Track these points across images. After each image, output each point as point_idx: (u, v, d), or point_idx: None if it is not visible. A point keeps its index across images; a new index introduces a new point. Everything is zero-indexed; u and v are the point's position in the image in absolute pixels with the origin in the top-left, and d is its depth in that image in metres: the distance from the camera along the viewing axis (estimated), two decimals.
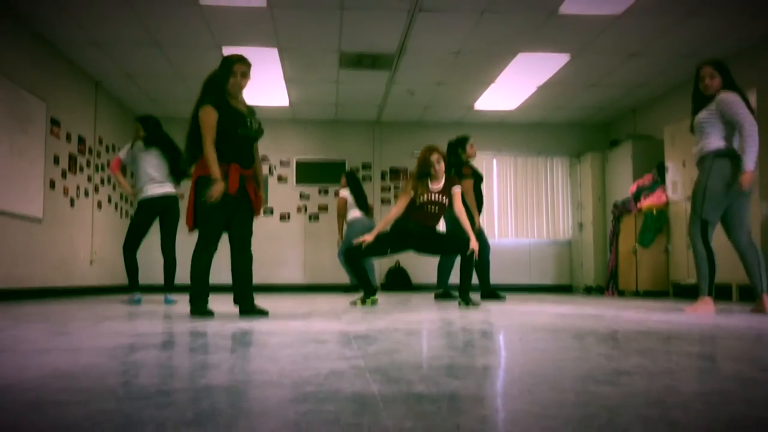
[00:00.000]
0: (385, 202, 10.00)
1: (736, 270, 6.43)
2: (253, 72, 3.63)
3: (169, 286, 5.51)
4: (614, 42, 6.65)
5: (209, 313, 3.64)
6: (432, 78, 7.97)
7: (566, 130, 10.21)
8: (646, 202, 7.85)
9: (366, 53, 7.09)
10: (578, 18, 6.02)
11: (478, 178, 6.51)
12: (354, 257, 5.04)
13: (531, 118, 9.86)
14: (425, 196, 4.96)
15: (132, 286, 5.50)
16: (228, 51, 6.89)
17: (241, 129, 3.67)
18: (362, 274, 5.07)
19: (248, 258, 3.80)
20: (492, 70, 7.64)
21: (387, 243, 5.05)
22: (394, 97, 8.78)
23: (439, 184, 5.04)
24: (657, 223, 7.74)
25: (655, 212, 7.72)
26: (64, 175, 7.16)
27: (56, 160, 6.96)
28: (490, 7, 5.82)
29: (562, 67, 7.43)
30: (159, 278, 5.64)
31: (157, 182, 5.41)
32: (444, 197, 5.03)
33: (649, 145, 8.43)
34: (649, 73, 7.70)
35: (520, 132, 10.15)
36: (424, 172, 5.01)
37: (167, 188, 5.46)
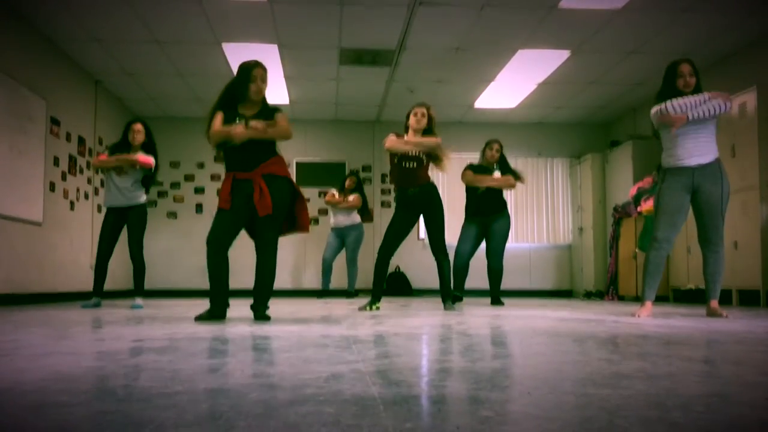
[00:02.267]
0: (385, 204, 10.00)
1: (735, 275, 6.45)
2: None
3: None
4: (613, 39, 6.67)
5: (210, 318, 3.62)
6: (432, 75, 7.98)
7: (566, 130, 10.21)
8: (646, 206, 7.83)
9: (366, 49, 7.10)
10: (578, 12, 6.04)
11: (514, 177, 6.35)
12: (386, 256, 5.00)
13: (531, 118, 9.87)
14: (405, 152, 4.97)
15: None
16: (228, 48, 6.93)
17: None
18: (382, 278, 5.06)
19: (264, 263, 3.72)
20: (492, 67, 7.65)
21: (401, 221, 5.03)
22: (394, 95, 8.79)
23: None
24: None
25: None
26: (64, 177, 7.16)
27: (56, 162, 6.97)
28: (491, 1, 5.83)
29: (562, 63, 7.44)
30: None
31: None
32: (421, 153, 5.01)
33: (650, 146, 8.41)
34: (649, 71, 7.71)
35: (520, 132, 10.15)
36: (406, 125, 5.07)
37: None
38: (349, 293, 8.33)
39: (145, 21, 6.27)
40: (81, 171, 7.62)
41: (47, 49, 6.79)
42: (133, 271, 5.55)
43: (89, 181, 7.86)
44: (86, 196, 7.76)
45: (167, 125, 9.39)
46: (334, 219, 8.38)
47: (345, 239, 8.38)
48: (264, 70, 3.81)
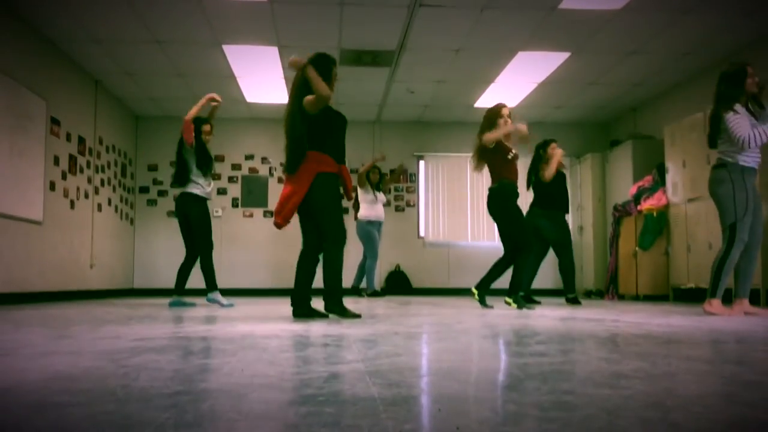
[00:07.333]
0: (385, 203, 10.00)
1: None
2: (254, 71, 3.70)
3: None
4: (613, 40, 6.68)
5: (300, 315, 3.83)
6: (432, 76, 7.98)
7: (566, 130, 10.21)
8: (646, 204, 7.84)
9: (366, 50, 7.10)
10: (578, 13, 6.05)
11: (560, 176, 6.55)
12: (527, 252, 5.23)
13: (531, 118, 9.85)
14: (513, 149, 5.29)
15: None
16: (228, 49, 6.91)
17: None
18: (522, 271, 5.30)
19: (326, 257, 3.79)
20: (492, 68, 7.66)
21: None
22: (394, 95, 8.78)
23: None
24: (657, 225, 7.73)
25: (655, 214, 7.71)
26: (64, 176, 7.16)
27: (56, 161, 6.97)
28: (491, 3, 5.83)
29: (562, 64, 7.45)
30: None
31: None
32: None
33: (650, 145, 8.43)
34: (648, 72, 7.72)
35: None
36: (496, 122, 5.34)
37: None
38: (367, 292, 8.03)
39: (145, 21, 6.26)
40: (81, 170, 7.62)
41: (47, 50, 6.78)
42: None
43: (89, 180, 7.85)
44: (86, 195, 7.76)
45: (167, 125, 9.39)
46: (374, 211, 8.04)
47: (378, 235, 8.12)
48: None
